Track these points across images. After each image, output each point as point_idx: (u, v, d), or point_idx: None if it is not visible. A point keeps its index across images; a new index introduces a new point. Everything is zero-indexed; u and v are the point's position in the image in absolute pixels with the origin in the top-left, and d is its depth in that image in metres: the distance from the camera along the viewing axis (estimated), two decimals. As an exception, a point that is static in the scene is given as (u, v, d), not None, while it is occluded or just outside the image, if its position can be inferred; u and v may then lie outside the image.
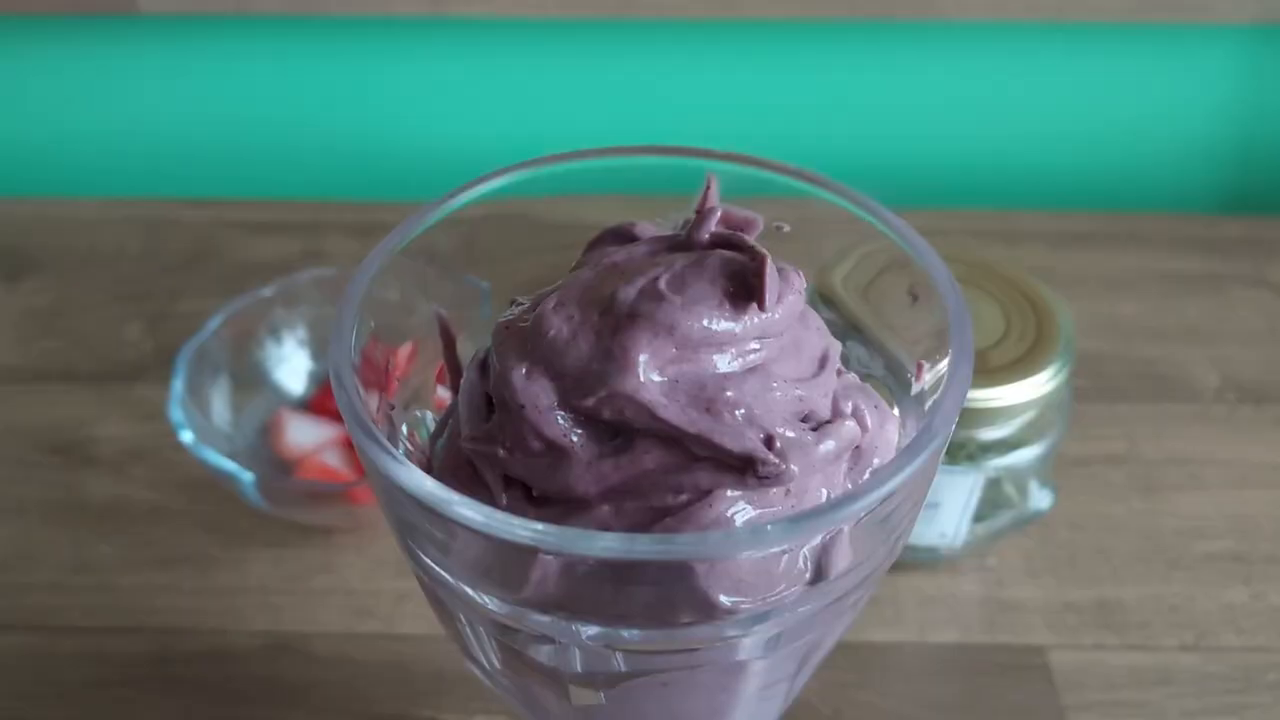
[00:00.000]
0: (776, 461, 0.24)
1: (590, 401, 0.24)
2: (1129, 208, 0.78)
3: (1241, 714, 0.46)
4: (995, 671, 0.48)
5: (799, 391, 0.25)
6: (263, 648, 0.48)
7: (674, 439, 0.24)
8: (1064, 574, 0.51)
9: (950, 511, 0.48)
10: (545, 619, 0.25)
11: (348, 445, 0.54)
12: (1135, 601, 0.50)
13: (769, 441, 0.24)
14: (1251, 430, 0.59)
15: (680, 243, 0.27)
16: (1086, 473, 0.56)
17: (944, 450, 0.26)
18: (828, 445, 0.25)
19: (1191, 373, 0.62)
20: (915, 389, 0.28)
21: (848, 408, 0.26)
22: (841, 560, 0.24)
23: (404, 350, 0.31)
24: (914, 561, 0.51)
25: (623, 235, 0.29)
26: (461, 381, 0.27)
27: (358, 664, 0.48)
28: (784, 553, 0.23)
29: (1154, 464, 0.57)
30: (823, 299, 0.39)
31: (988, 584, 0.51)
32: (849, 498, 0.22)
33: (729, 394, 0.24)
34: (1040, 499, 0.51)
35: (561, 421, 0.24)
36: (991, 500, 0.49)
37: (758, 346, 0.25)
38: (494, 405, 0.26)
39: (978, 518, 0.50)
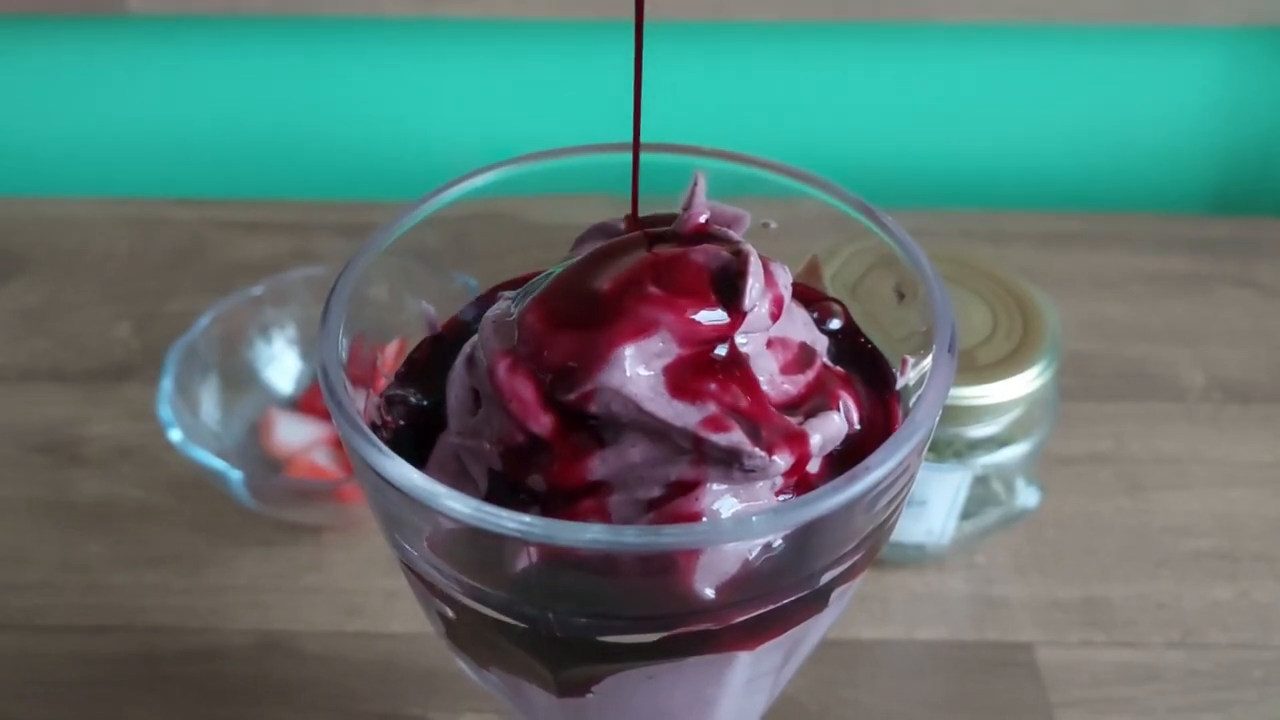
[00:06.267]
0: (762, 455, 0.24)
1: (576, 395, 0.24)
2: (1116, 208, 0.78)
3: (1227, 711, 0.46)
4: (983, 669, 0.48)
5: (785, 385, 0.25)
6: (252, 646, 0.48)
7: (660, 432, 0.24)
8: (1051, 571, 0.52)
9: (938, 509, 0.49)
10: (532, 613, 0.25)
11: (337, 444, 0.54)
12: (1122, 599, 0.51)
13: (755, 435, 0.24)
14: (1237, 429, 0.59)
15: (666, 237, 0.27)
16: (1073, 471, 0.56)
17: (928, 444, 0.26)
18: (814, 439, 0.25)
19: (1178, 372, 0.63)
20: (900, 383, 0.28)
21: (833, 402, 0.26)
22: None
23: (391, 347, 0.31)
24: (902, 559, 0.51)
25: (610, 232, 0.29)
26: (449, 376, 0.27)
27: (346, 662, 0.48)
28: (768, 544, 0.23)
29: (1141, 463, 0.57)
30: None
31: (975, 581, 0.51)
32: (833, 489, 0.23)
33: (715, 387, 0.24)
34: (1027, 497, 0.51)
35: (546, 415, 0.24)
36: (979, 498, 0.50)
37: (743, 340, 0.25)
38: (480, 400, 0.26)
39: (965, 515, 0.50)
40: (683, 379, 0.24)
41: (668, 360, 0.24)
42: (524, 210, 0.33)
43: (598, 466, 0.24)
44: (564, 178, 0.32)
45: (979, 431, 0.47)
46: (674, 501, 0.24)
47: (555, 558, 0.23)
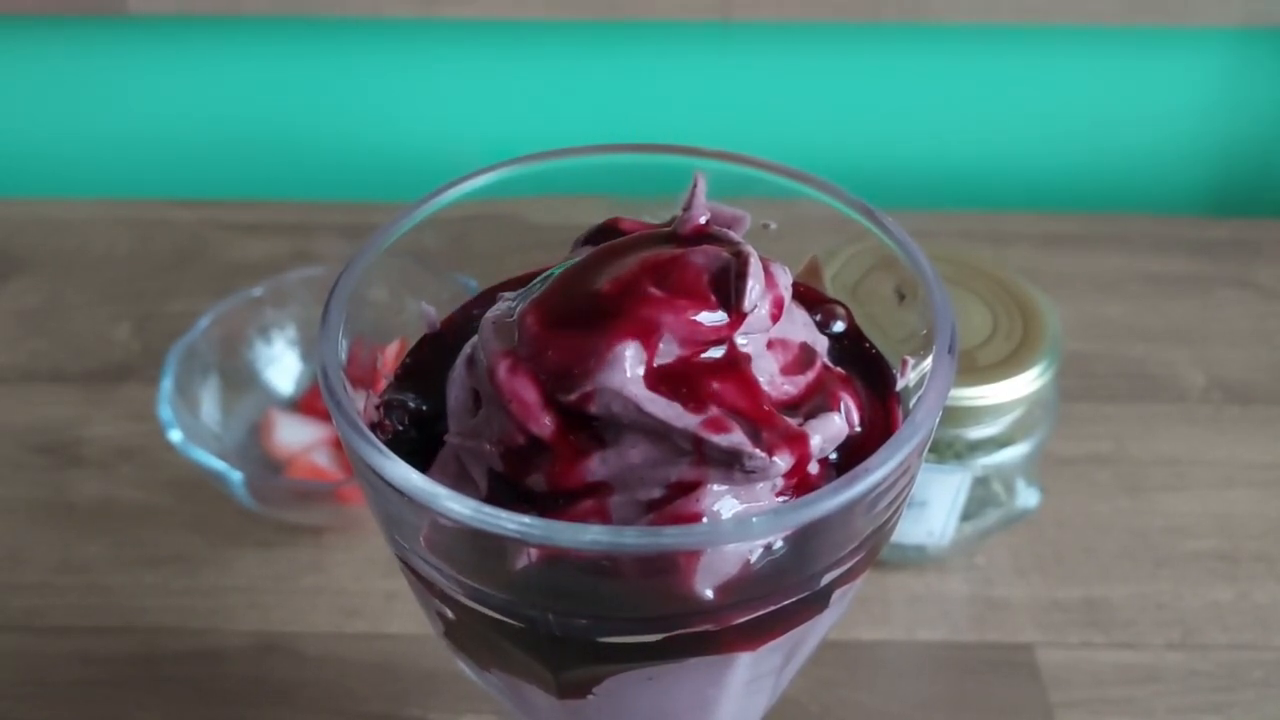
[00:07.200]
0: (763, 455, 0.24)
1: (576, 396, 0.24)
2: (1116, 209, 0.78)
3: (1227, 712, 0.46)
4: (983, 669, 0.48)
5: (785, 386, 0.25)
6: (251, 647, 0.48)
7: (660, 433, 0.24)
8: (1051, 572, 0.52)
9: (938, 510, 0.49)
10: (533, 613, 0.25)
11: (337, 445, 0.54)
12: (1122, 600, 0.51)
13: (755, 436, 0.24)
14: (1237, 430, 0.59)
15: (666, 238, 0.27)
16: (1074, 472, 0.56)
17: (928, 445, 0.26)
18: (814, 440, 0.25)
19: (1178, 373, 0.63)
20: (900, 384, 0.28)
21: (833, 403, 0.26)
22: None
23: (391, 348, 0.31)
24: (902, 560, 0.51)
25: (610, 234, 0.29)
26: (449, 377, 0.27)
27: (346, 663, 0.48)
28: (769, 545, 0.23)
29: (1141, 463, 0.57)
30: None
31: (975, 582, 0.51)
32: (833, 491, 0.23)
33: (715, 388, 0.24)
34: (1027, 497, 0.51)
35: (547, 416, 0.24)
36: (979, 499, 0.50)
37: (744, 341, 0.25)
38: (480, 400, 0.26)
39: (965, 516, 0.50)
40: (683, 380, 0.24)
41: (668, 361, 0.24)
42: (524, 211, 0.33)
43: (598, 467, 0.24)
44: (564, 178, 0.32)
45: (979, 432, 0.47)
46: (674, 502, 0.24)
47: (555, 559, 0.23)
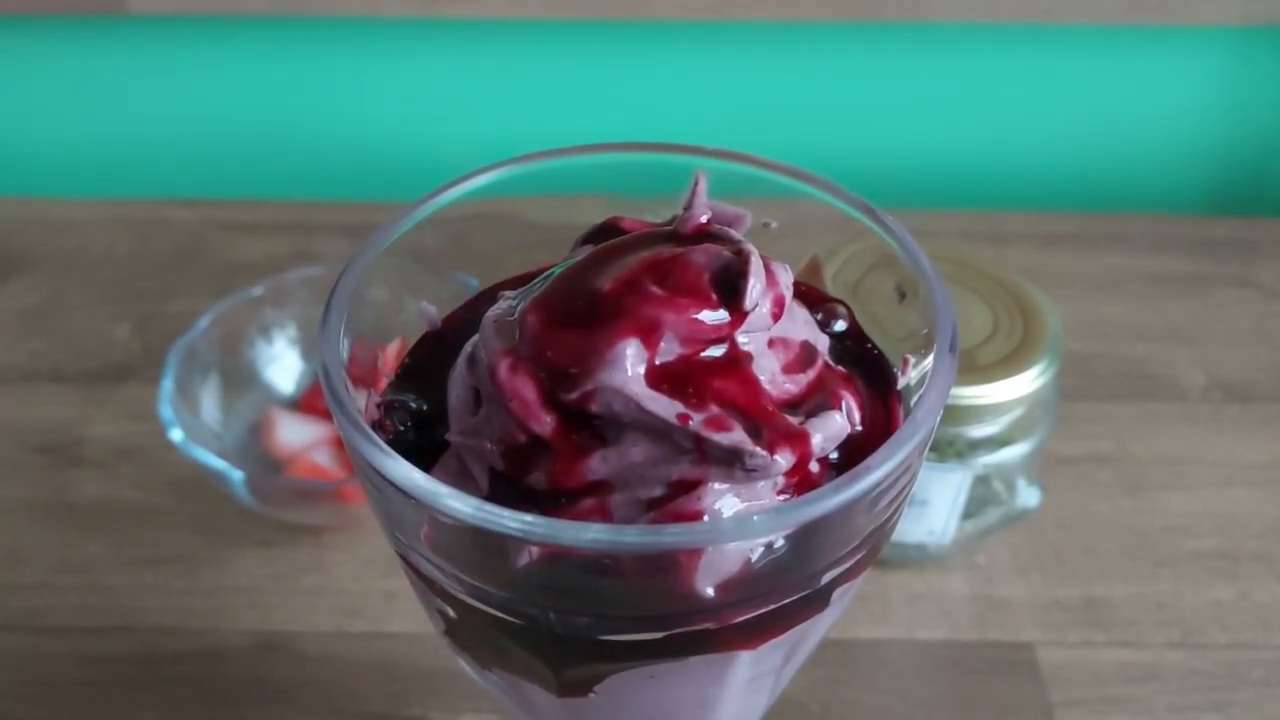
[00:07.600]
0: (764, 454, 0.24)
1: (577, 395, 0.24)
2: (1116, 208, 0.78)
3: (1227, 710, 0.46)
4: (983, 668, 0.48)
5: (787, 385, 0.25)
6: (251, 647, 0.48)
7: (661, 432, 0.24)
8: (1052, 571, 0.52)
9: (939, 509, 0.49)
10: (534, 611, 0.25)
11: (338, 444, 0.54)
12: (1122, 599, 0.51)
13: (756, 434, 0.24)
14: (1237, 429, 0.59)
15: (667, 237, 0.27)
16: (1074, 471, 0.56)
17: (929, 444, 0.26)
18: (815, 438, 0.25)
19: (1178, 372, 0.63)
20: (901, 383, 0.28)
21: (834, 401, 0.26)
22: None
23: (392, 347, 0.31)
24: (903, 559, 0.51)
25: (610, 233, 0.29)
26: (450, 376, 0.27)
27: (346, 663, 0.48)
28: (770, 544, 0.23)
29: (1141, 463, 0.57)
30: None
31: (976, 581, 0.51)
32: (834, 489, 0.23)
33: (716, 387, 0.24)
34: (1028, 497, 0.51)
35: (548, 415, 0.24)
36: (980, 498, 0.50)
37: (745, 340, 0.25)
38: (481, 399, 0.26)
39: (966, 515, 0.50)
40: (684, 379, 0.24)
41: (669, 360, 0.24)
42: (524, 210, 0.33)
43: (599, 466, 0.24)
44: (564, 178, 0.32)
45: (980, 431, 0.47)
46: (675, 501, 0.24)
47: (556, 557, 0.23)
